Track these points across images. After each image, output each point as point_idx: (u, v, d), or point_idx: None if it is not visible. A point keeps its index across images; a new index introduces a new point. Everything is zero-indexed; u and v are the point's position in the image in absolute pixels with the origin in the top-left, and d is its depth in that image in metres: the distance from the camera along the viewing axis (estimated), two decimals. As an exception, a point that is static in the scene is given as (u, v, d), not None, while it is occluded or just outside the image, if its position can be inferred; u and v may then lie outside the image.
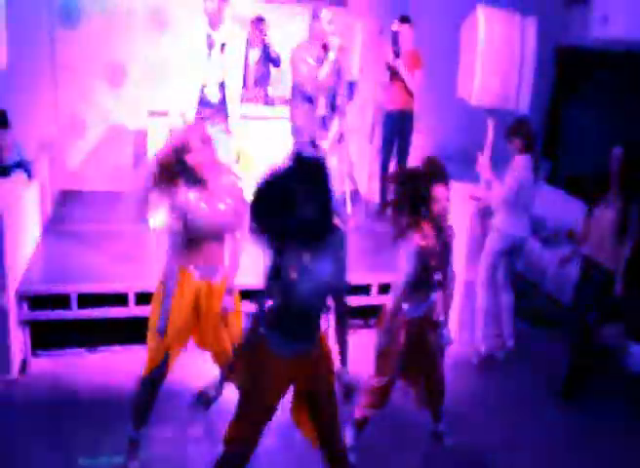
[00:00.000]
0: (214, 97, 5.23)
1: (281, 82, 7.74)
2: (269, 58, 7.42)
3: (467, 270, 5.60)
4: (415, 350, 3.83)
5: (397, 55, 6.69)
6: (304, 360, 3.06)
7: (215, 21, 5.08)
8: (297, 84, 5.31)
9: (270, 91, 7.27)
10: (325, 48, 5.24)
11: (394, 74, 6.74)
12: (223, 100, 5.26)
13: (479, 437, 4.40)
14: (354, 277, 5.22)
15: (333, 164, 5.42)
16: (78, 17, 7.22)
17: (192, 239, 3.54)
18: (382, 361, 3.83)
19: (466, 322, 5.61)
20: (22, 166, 5.66)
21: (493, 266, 5.24)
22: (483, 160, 5.26)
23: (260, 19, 7.25)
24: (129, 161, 7.59)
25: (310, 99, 5.29)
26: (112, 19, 7.28)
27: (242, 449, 3.07)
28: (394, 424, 4.31)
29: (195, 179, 3.49)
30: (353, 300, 5.27)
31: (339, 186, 5.59)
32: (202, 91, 5.19)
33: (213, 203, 3.52)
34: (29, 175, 5.66)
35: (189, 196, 3.48)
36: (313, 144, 5.37)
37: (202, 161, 3.46)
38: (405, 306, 3.76)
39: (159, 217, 4.44)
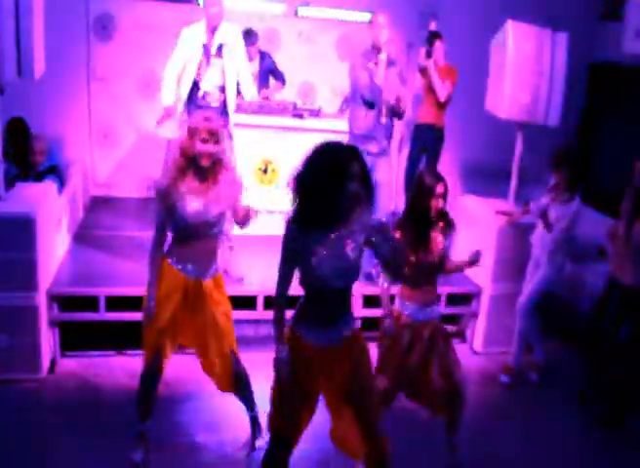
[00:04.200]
0: (214, 101, 5.21)
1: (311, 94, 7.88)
2: (270, 71, 7.27)
3: (494, 285, 5.59)
4: (422, 356, 3.82)
5: (429, 55, 6.65)
6: (337, 350, 3.05)
7: (213, 26, 5.07)
8: (357, 91, 5.33)
9: (299, 103, 7.31)
10: (379, 51, 5.27)
11: (427, 87, 6.71)
12: (224, 104, 5.23)
13: (499, 449, 4.38)
14: (370, 289, 5.27)
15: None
16: (112, 29, 7.37)
17: (180, 236, 3.59)
18: (384, 360, 3.85)
19: (494, 337, 5.60)
20: (55, 171, 5.77)
21: (543, 294, 5.14)
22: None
23: (247, 32, 6.86)
24: (159, 169, 7.69)
25: (371, 105, 5.29)
26: (145, 32, 7.42)
27: (287, 435, 3.12)
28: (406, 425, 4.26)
29: (197, 169, 3.51)
30: (367, 312, 5.30)
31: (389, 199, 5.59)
32: (204, 97, 5.18)
33: (206, 199, 3.52)
34: (62, 181, 5.77)
35: (183, 189, 3.49)
36: (369, 153, 5.28)
37: (206, 151, 3.47)
38: (408, 306, 3.83)
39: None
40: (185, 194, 3.49)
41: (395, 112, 5.42)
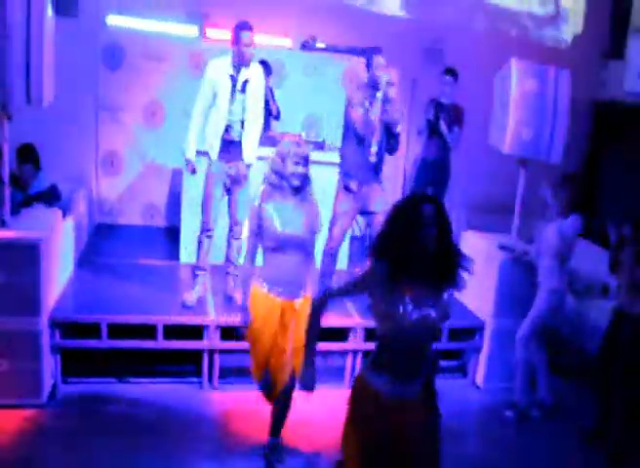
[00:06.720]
0: (237, 135, 5.30)
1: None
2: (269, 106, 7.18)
3: (496, 319, 5.58)
4: None
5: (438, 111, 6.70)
6: (410, 404, 2.93)
7: (245, 64, 5.17)
8: (349, 125, 5.36)
9: (304, 135, 7.35)
10: (375, 89, 5.29)
11: (433, 129, 6.76)
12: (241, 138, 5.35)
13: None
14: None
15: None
16: (121, 59, 7.48)
17: (270, 254, 3.79)
18: None
19: (496, 372, 5.57)
20: (42, 197, 5.70)
21: (541, 324, 5.08)
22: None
23: (261, 63, 6.74)
24: (164, 198, 7.76)
25: (362, 140, 5.33)
26: (153, 62, 7.53)
27: None
28: None
29: (287, 189, 3.78)
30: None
31: None
32: (227, 130, 5.26)
33: (297, 218, 3.77)
34: (50, 205, 5.68)
35: (269, 206, 3.75)
36: (349, 190, 5.41)
37: (297, 172, 3.74)
38: None
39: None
40: (275, 213, 3.75)
41: (387, 150, 5.44)
